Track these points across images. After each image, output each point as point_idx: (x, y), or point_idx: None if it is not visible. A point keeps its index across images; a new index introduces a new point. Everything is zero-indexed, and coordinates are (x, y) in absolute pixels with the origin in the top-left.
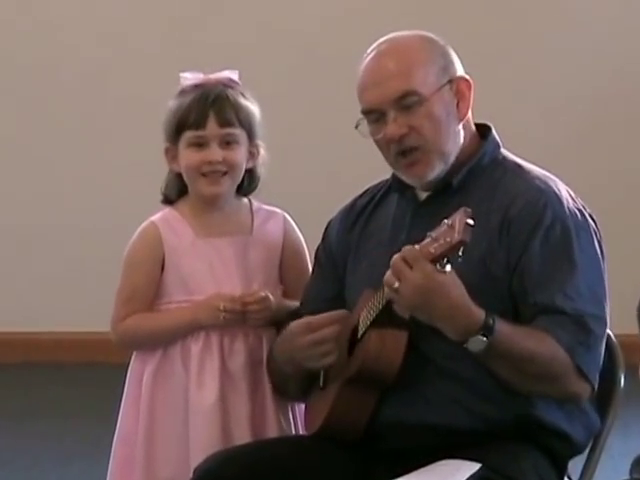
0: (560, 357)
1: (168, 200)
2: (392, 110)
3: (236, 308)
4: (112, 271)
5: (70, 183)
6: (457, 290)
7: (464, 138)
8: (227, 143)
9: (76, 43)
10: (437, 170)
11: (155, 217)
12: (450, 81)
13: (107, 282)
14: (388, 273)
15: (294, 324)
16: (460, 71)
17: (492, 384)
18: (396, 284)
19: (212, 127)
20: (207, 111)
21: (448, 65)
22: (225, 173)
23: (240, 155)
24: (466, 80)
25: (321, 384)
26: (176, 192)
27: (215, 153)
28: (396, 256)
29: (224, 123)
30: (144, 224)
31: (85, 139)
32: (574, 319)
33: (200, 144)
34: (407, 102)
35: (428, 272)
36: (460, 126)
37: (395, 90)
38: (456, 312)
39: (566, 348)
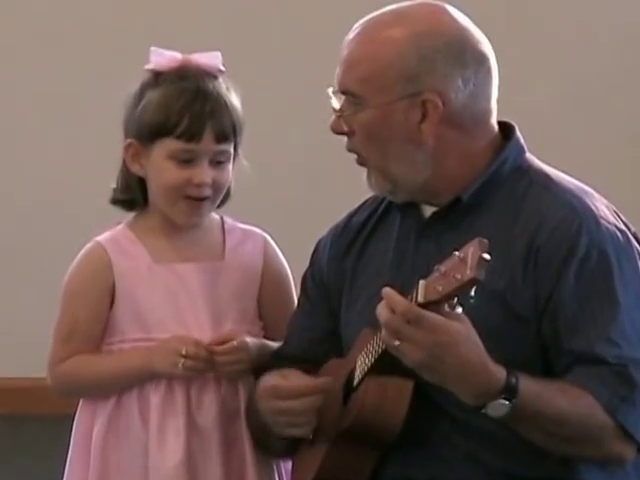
0: (598, 417)
1: (131, 205)
2: (341, 99)
3: (201, 354)
4: (50, 304)
5: None
6: (471, 344)
7: (484, 146)
8: (218, 162)
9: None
10: (383, 190)
11: (102, 237)
12: (415, 94)
13: (44, 318)
14: (384, 331)
15: (261, 383)
16: (448, 85)
17: (518, 439)
18: (396, 342)
19: (207, 142)
20: (204, 122)
21: (423, 74)
22: (207, 198)
23: (228, 175)
24: (437, 98)
25: (310, 437)
26: (142, 197)
27: (205, 174)
28: (387, 313)
29: (221, 138)
30: (88, 245)
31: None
32: (616, 370)
33: (188, 160)
34: (350, 100)
35: (435, 325)
36: (419, 150)
37: (343, 81)
38: (471, 370)
39: (606, 406)
